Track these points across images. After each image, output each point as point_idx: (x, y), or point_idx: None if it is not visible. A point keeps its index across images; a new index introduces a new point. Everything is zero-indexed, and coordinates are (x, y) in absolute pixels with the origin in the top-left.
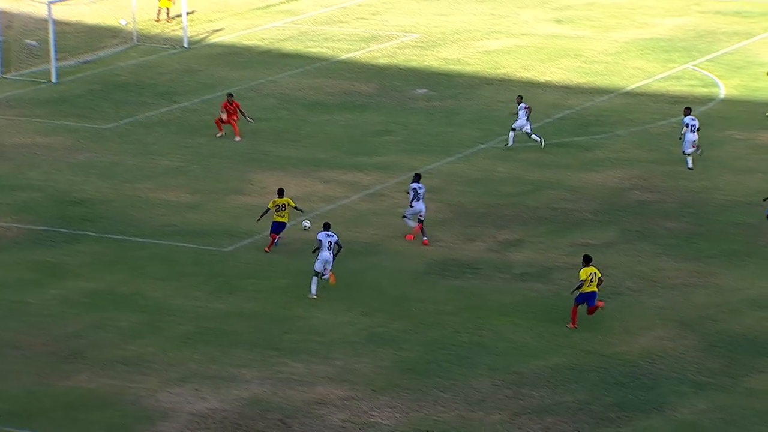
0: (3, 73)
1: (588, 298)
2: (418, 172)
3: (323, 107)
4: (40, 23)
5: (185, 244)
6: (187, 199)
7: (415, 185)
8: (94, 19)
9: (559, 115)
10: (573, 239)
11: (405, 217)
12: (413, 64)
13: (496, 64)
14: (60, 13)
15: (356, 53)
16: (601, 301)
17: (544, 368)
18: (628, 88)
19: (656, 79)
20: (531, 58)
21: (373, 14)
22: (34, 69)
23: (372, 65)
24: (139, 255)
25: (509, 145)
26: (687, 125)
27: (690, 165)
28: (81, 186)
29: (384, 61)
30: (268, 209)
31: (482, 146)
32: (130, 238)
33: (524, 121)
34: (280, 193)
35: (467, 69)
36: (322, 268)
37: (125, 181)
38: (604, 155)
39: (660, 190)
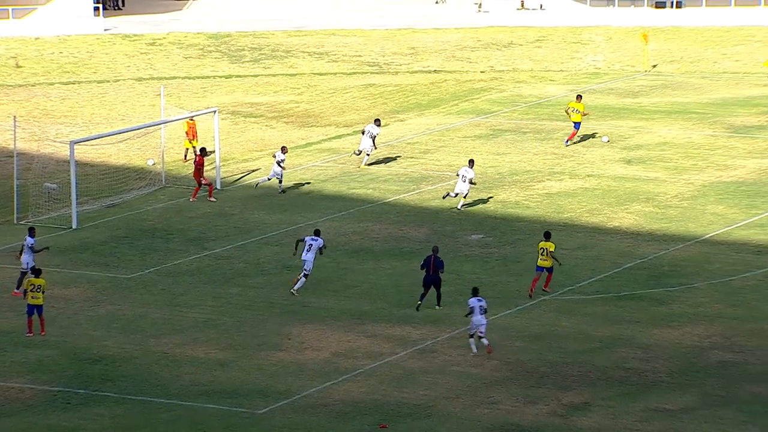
0: (19, 219)
1: (543, 270)
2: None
3: (368, 254)
4: (62, 165)
5: (215, 406)
6: (217, 355)
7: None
8: (119, 160)
9: (630, 265)
10: (647, 403)
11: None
12: (468, 207)
13: (559, 207)
14: (82, 153)
15: (405, 195)
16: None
17: None
18: (707, 236)
19: (738, 227)
20: (598, 202)
21: (424, 153)
22: (53, 214)
23: (422, 208)
24: (163, 418)
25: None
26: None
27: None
28: (101, 342)
29: (435, 203)
30: (26, 290)
31: (544, 298)
32: (154, 400)
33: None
34: (37, 273)
35: (527, 213)
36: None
37: (150, 336)
38: (680, 310)
39: (744, 350)
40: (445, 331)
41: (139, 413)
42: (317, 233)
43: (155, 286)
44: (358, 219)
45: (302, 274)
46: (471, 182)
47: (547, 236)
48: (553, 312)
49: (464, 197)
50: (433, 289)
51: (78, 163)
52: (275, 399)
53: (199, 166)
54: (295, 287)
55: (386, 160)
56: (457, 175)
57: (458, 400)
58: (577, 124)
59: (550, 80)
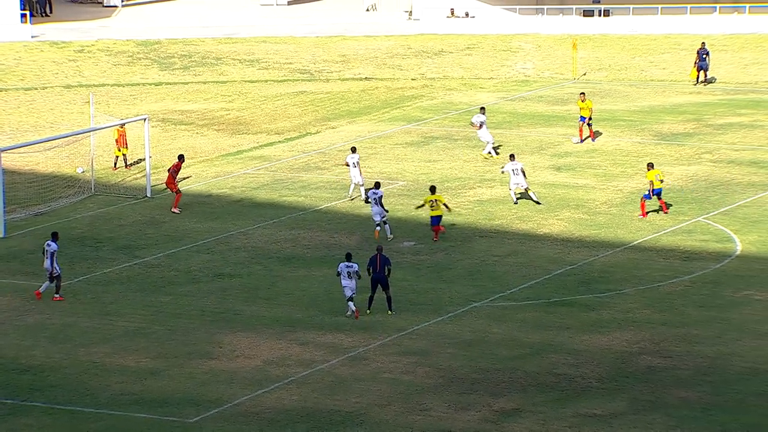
0: None
1: (433, 220)
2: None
3: (300, 261)
4: None
5: (145, 415)
6: (148, 364)
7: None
8: (48, 168)
9: (560, 271)
10: (577, 409)
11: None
12: (399, 214)
13: (490, 214)
14: (10, 161)
15: (336, 202)
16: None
17: None
18: (635, 243)
19: (665, 233)
20: (528, 209)
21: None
22: None
23: (354, 215)
24: (93, 428)
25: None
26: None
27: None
28: (29, 351)
29: (367, 211)
30: None
31: (475, 305)
32: (84, 409)
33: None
34: None
35: (458, 220)
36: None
37: (79, 345)
38: (609, 316)
39: (672, 356)
40: (376, 338)
41: (68, 423)
42: (377, 185)
43: (84, 294)
44: (290, 226)
45: (383, 221)
46: (522, 172)
47: (433, 190)
48: (485, 318)
49: (527, 189)
50: (382, 293)
51: (6, 171)
52: (206, 408)
53: (175, 171)
54: (389, 234)
55: (317, 167)
56: (502, 172)
57: (390, 407)
58: (582, 118)
59: (481, 88)
